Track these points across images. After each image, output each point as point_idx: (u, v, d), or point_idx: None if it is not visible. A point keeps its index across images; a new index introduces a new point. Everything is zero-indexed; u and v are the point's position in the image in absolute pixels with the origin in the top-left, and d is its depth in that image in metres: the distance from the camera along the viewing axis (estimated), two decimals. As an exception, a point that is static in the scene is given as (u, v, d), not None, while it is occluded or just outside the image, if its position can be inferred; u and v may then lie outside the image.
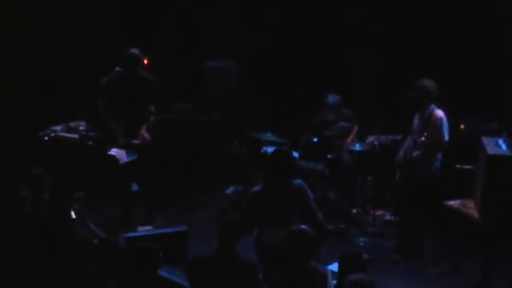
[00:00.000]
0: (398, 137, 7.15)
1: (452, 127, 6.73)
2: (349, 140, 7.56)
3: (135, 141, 6.91)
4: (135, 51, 7.01)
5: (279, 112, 8.59)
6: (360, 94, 8.16)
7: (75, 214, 5.31)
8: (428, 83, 6.55)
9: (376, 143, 7.17)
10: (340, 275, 4.64)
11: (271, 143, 7.37)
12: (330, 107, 7.56)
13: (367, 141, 7.34)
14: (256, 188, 5.65)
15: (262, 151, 7.31)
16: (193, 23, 8.89)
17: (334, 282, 4.75)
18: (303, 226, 4.92)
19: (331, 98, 7.57)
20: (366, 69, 8.30)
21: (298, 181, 5.68)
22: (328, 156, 7.47)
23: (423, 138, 6.40)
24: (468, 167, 6.50)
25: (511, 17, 7.57)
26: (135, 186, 7.21)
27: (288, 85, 8.67)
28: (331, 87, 7.74)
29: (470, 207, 6.15)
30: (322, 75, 8.32)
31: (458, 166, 6.59)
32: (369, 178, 7.54)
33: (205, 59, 8.74)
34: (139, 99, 7.02)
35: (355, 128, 7.57)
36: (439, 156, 6.61)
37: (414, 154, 6.53)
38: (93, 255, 4.71)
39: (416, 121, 6.76)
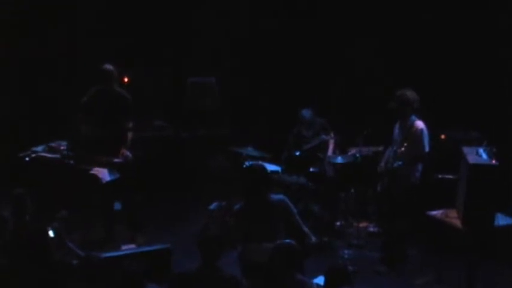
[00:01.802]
0: (380, 148, 7.19)
1: (433, 137, 6.79)
2: (330, 151, 7.56)
3: (117, 160, 6.88)
4: (108, 67, 7.01)
5: (261, 126, 8.62)
6: (339, 106, 8.18)
7: (54, 233, 5.24)
8: (410, 93, 6.59)
9: (358, 155, 7.20)
10: (326, 288, 4.62)
11: (252, 158, 7.36)
12: (306, 123, 7.58)
13: (349, 153, 7.38)
14: (237, 206, 5.63)
15: (244, 166, 7.27)
16: (175, 38, 8.91)
17: (320, 295, 4.73)
18: (287, 240, 4.89)
19: (307, 113, 7.59)
20: (345, 81, 8.35)
21: (280, 196, 5.68)
22: (311, 169, 7.48)
23: (403, 149, 6.42)
24: (449, 176, 6.51)
25: (489, 28, 7.64)
26: (117, 205, 7.15)
27: (268, 99, 8.71)
28: (310, 100, 7.76)
29: (453, 217, 6.16)
30: (302, 88, 8.34)
31: (439, 176, 6.60)
32: (352, 190, 7.55)
33: (187, 75, 8.74)
34: (115, 116, 7.00)
35: (333, 138, 7.58)
36: (420, 166, 6.64)
37: (395, 165, 6.54)
38: (71, 276, 4.65)
39: (396, 131, 6.79)
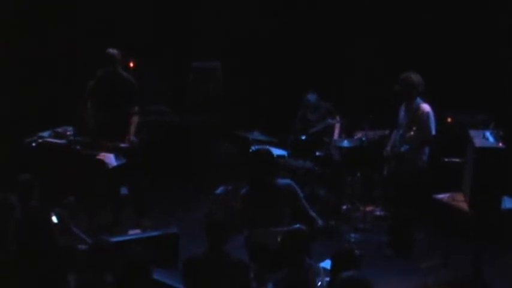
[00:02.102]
0: (386, 132, 7.17)
1: (439, 120, 6.77)
2: (335, 135, 7.54)
3: (123, 145, 6.88)
4: (112, 50, 7.01)
5: (267, 111, 8.62)
6: (346, 90, 8.17)
7: (57, 219, 5.26)
8: (414, 76, 6.56)
9: (364, 138, 7.18)
10: (333, 272, 4.62)
11: (259, 142, 7.36)
12: (311, 106, 7.57)
13: (355, 137, 7.36)
14: (244, 190, 5.63)
15: (250, 150, 7.26)
16: (179, 23, 8.89)
17: (327, 279, 4.74)
18: (298, 225, 4.90)
19: (312, 97, 7.58)
20: (352, 65, 8.34)
21: (287, 180, 5.68)
22: (317, 153, 7.48)
23: (412, 133, 6.40)
24: (456, 160, 6.49)
25: (495, 12, 7.61)
26: (123, 190, 7.16)
27: (275, 83, 8.70)
28: (317, 85, 7.75)
29: (460, 200, 6.15)
30: (308, 72, 8.32)
31: (446, 159, 6.58)
32: (358, 174, 7.54)
33: (191, 60, 8.72)
34: (119, 100, 7.00)
35: (338, 122, 7.57)
36: (427, 150, 6.63)
37: (402, 149, 6.54)
38: (76, 261, 4.68)
39: (402, 114, 6.76)
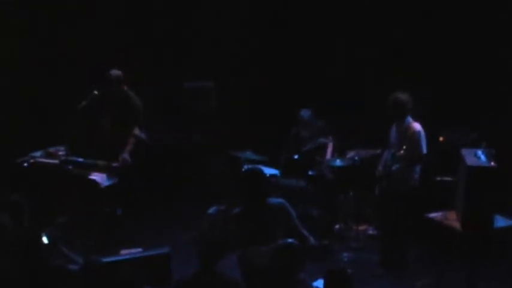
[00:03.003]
0: (378, 151, 7.18)
1: (431, 139, 6.80)
2: (328, 155, 7.57)
3: (115, 164, 6.89)
4: (115, 71, 7.09)
5: (259, 130, 8.62)
6: (338, 109, 8.20)
7: (48, 239, 5.24)
8: (402, 95, 6.67)
9: (356, 158, 7.21)
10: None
11: (251, 162, 7.37)
12: (305, 123, 7.60)
13: (348, 156, 7.38)
14: (236, 210, 5.64)
15: (242, 170, 7.27)
16: (171, 42, 8.93)
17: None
18: (289, 240, 4.90)
19: (306, 113, 7.62)
20: (343, 84, 8.37)
21: (279, 199, 5.70)
22: (310, 172, 7.49)
23: (402, 152, 6.44)
24: (448, 178, 6.52)
25: (486, 30, 7.64)
26: (119, 211, 7.16)
27: (267, 103, 8.72)
28: (308, 103, 7.78)
29: (452, 219, 6.16)
30: (300, 91, 8.37)
31: (438, 178, 6.62)
32: (351, 193, 7.54)
33: (184, 80, 8.75)
34: (122, 120, 7.05)
35: (331, 142, 7.60)
36: (418, 169, 6.67)
37: (393, 168, 6.57)
38: (67, 281, 4.66)
39: (393, 134, 6.82)
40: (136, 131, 7.10)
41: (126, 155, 6.97)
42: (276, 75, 8.74)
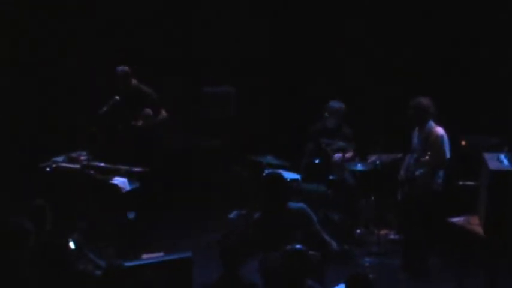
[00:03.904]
0: (400, 155, 7.18)
1: (454, 144, 6.80)
2: (340, 155, 7.48)
3: (136, 169, 6.95)
4: (122, 68, 7.30)
5: (280, 134, 8.65)
6: (360, 112, 8.22)
7: (74, 245, 5.30)
8: (425, 100, 6.69)
9: (377, 162, 7.20)
10: (347, 296, 4.64)
11: (272, 166, 7.39)
12: (332, 112, 7.55)
13: (369, 160, 7.36)
14: (257, 215, 5.67)
15: (263, 174, 7.28)
16: (190, 47, 8.96)
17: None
18: (297, 246, 4.92)
19: (334, 103, 7.58)
20: (366, 88, 8.38)
21: (300, 204, 5.72)
22: (330, 177, 7.49)
23: (427, 157, 6.44)
24: (471, 183, 6.50)
25: (506, 32, 7.67)
26: (131, 214, 7.22)
27: (288, 106, 8.74)
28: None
29: (475, 224, 6.13)
30: (321, 95, 8.37)
31: (461, 183, 6.60)
32: (372, 198, 7.54)
33: (203, 84, 8.81)
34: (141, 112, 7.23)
35: (351, 151, 7.56)
36: (441, 173, 6.66)
37: (416, 173, 6.57)
38: (93, 286, 4.70)
39: (415, 139, 6.82)
40: (164, 114, 7.37)
41: (145, 122, 7.14)
42: (297, 78, 8.74)
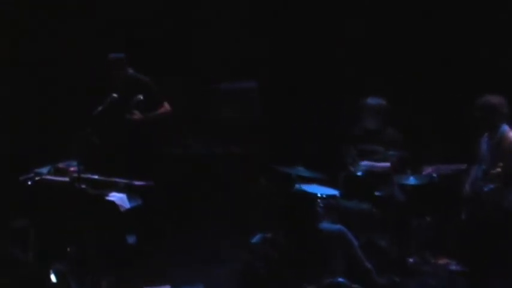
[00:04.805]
0: (463, 166, 7.20)
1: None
2: (381, 164, 7.58)
3: (138, 183, 7.05)
4: (115, 55, 7.61)
5: (312, 141, 8.84)
6: (412, 116, 8.32)
7: (56, 277, 5.42)
8: (495, 99, 6.69)
9: (435, 174, 7.26)
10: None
11: (303, 180, 7.49)
12: (370, 111, 7.65)
13: (424, 172, 7.41)
14: (285, 238, 5.79)
15: (294, 190, 7.37)
16: (202, 35, 9.27)
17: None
18: (340, 279, 5.03)
19: (372, 99, 7.66)
20: (417, 90, 8.58)
21: (337, 226, 5.87)
22: (376, 192, 7.56)
23: (498, 169, 6.48)
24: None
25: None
26: (131, 238, 7.36)
27: (322, 108, 8.93)
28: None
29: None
30: (362, 92, 8.50)
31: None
32: (428, 218, 7.59)
33: (218, 80, 9.00)
34: (141, 107, 7.47)
35: (395, 160, 7.58)
36: (515, 189, 6.67)
37: (485, 189, 6.61)
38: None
39: (484, 146, 6.83)
40: (167, 106, 7.63)
41: (141, 115, 7.41)
42: (332, 77, 8.97)
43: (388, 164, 7.57)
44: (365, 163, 7.58)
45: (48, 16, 8.97)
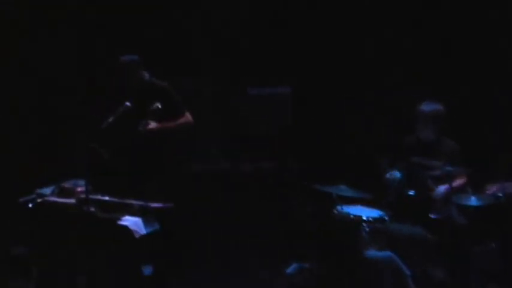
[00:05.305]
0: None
1: None
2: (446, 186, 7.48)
3: (155, 205, 7.03)
4: (128, 57, 7.60)
5: (356, 154, 8.74)
6: (471, 124, 8.23)
7: None
8: None
9: (500, 194, 7.17)
10: None
11: (346, 200, 7.42)
12: (425, 118, 7.57)
13: (488, 192, 7.34)
14: (325, 268, 5.72)
15: (335, 212, 7.33)
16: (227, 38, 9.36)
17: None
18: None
19: (427, 105, 7.59)
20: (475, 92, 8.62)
21: (386, 253, 5.82)
22: (431, 215, 7.48)
23: None
24: None
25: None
26: (147, 269, 7.30)
27: (366, 115, 8.94)
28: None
29: None
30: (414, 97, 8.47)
31: None
32: (493, 245, 7.50)
33: (246, 84, 9.03)
34: (159, 117, 7.44)
35: (463, 177, 7.55)
36: None
37: None
38: None
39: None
40: (189, 117, 7.58)
41: (157, 125, 7.36)
42: (376, 81, 9.08)
43: (463, 181, 7.49)
44: (442, 189, 7.44)
45: (48, 16, 9.14)
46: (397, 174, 7.44)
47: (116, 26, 9.21)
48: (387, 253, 5.82)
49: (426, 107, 7.58)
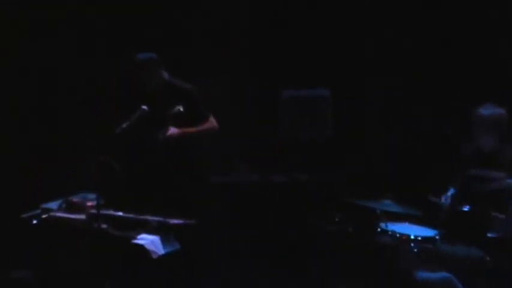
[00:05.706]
0: None
1: None
2: None
3: (174, 221, 6.99)
4: (146, 55, 7.59)
5: (403, 165, 8.69)
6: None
7: None
8: None
9: None
10: None
11: (392, 217, 7.36)
12: (484, 124, 7.45)
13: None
14: None
15: (379, 230, 7.29)
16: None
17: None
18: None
19: (486, 109, 7.46)
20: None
21: (441, 274, 5.86)
22: (489, 234, 7.37)
23: None
24: None
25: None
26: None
27: (412, 120, 8.95)
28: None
29: None
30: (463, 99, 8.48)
31: None
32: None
33: (281, 86, 9.01)
34: (180, 122, 7.40)
35: None
36: None
37: None
38: None
39: None
40: (213, 121, 7.58)
41: (178, 131, 7.34)
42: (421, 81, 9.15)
43: None
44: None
45: (48, 16, 9.35)
46: (451, 190, 7.33)
47: (116, 26, 9.40)
48: (444, 274, 5.73)
49: (485, 111, 7.44)
